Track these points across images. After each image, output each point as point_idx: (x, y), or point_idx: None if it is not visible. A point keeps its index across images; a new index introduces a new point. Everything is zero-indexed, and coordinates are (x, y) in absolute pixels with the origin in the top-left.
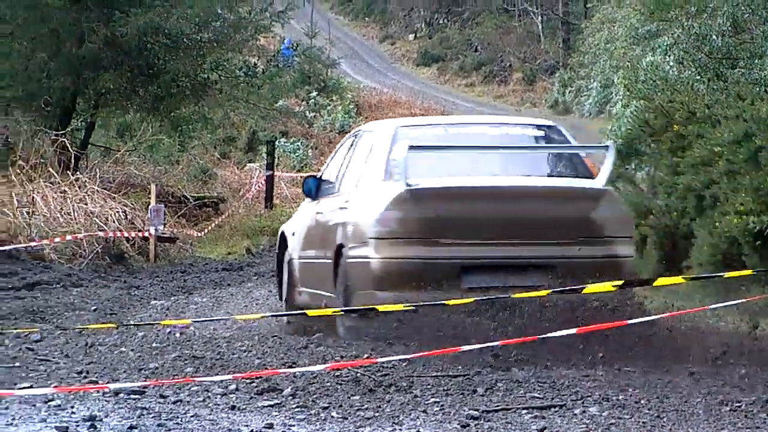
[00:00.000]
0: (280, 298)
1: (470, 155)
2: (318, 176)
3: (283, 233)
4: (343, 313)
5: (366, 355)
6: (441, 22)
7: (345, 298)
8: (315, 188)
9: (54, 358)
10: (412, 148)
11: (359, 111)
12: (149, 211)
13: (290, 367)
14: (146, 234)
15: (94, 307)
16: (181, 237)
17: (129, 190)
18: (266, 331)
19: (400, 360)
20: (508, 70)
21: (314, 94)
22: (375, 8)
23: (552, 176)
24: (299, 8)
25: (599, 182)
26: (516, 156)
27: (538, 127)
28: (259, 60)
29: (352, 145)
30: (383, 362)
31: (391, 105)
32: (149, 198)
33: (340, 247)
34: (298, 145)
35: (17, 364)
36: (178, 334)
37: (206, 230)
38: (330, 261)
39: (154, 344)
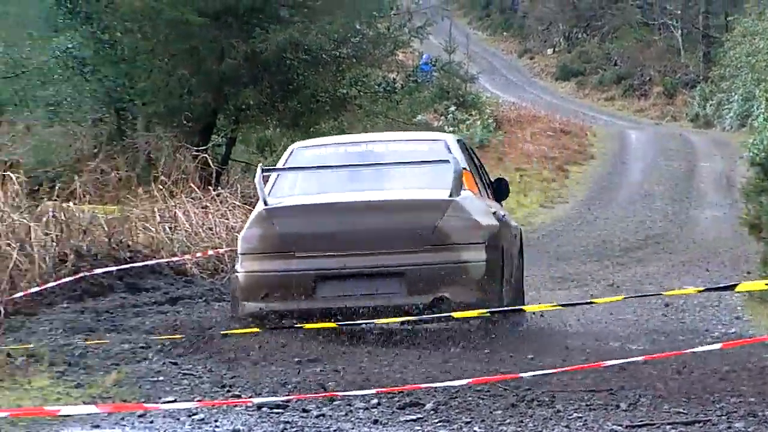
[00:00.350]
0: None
1: (345, 173)
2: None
3: None
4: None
5: (507, 370)
6: (579, 36)
7: (232, 307)
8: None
9: (197, 372)
10: (264, 170)
11: (498, 125)
12: None
13: (431, 381)
14: None
15: (237, 323)
16: None
17: None
18: (410, 345)
19: (543, 374)
20: (648, 83)
21: (453, 108)
22: (513, 23)
23: (408, 189)
24: (437, 23)
25: (444, 193)
26: (387, 171)
27: (425, 141)
28: (397, 75)
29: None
30: (528, 377)
31: (530, 119)
32: None
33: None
34: None
35: (161, 378)
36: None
37: None
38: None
39: (296, 358)
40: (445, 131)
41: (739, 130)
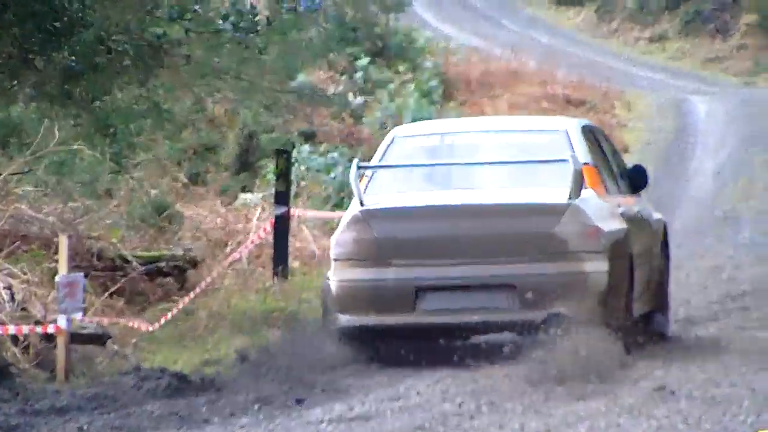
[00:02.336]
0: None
1: (453, 168)
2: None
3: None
4: None
5: None
6: None
7: (323, 319)
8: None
9: None
10: (359, 167)
11: (448, 92)
12: (57, 286)
13: None
14: (51, 327)
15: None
16: (116, 332)
17: (19, 248)
18: None
19: None
20: (730, 9)
21: (365, 61)
22: None
23: (521, 189)
24: None
25: (562, 196)
26: (499, 167)
27: (544, 132)
28: (260, 1)
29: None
30: None
31: (508, 80)
32: (56, 260)
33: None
34: (335, 158)
35: None
36: None
37: (163, 319)
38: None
39: None
40: (348, 103)
41: None
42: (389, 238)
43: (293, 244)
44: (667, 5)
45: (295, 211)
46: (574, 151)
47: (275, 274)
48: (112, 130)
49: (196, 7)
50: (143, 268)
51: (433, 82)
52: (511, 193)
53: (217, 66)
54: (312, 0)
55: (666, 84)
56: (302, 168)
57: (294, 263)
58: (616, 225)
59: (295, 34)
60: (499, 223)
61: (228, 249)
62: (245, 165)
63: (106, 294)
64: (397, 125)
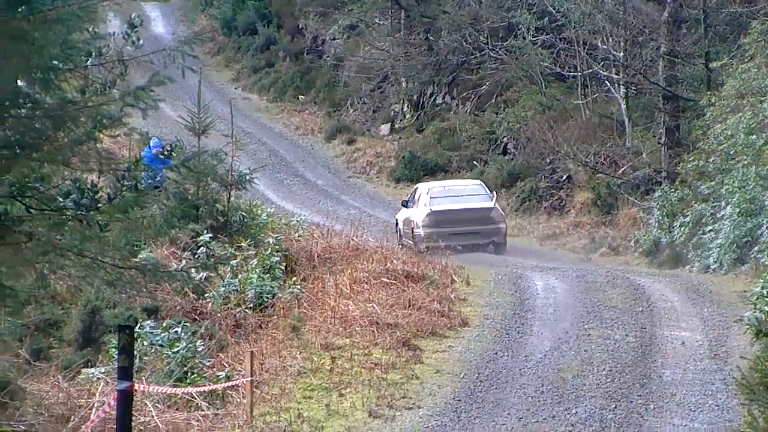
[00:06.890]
0: (398, 243)
1: (453, 197)
2: (406, 201)
3: (397, 219)
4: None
5: None
6: (439, 101)
7: (414, 245)
8: (407, 204)
9: None
10: (432, 197)
11: (291, 267)
12: None
13: None
14: None
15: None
16: None
17: None
18: None
19: None
20: (566, 187)
21: (206, 237)
22: (317, 79)
23: (476, 201)
24: (173, 82)
25: (491, 203)
26: (467, 195)
27: (475, 185)
28: (101, 177)
29: (414, 191)
30: None
31: (350, 255)
32: None
33: (412, 228)
34: (178, 333)
35: None
36: None
37: None
38: (409, 231)
39: None
40: (191, 279)
41: (734, 270)
42: (439, 219)
43: (137, 419)
44: (503, 182)
45: (139, 386)
46: (488, 191)
47: None
48: None
49: (38, 184)
50: None
51: (276, 258)
52: (474, 204)
53: (60, 243)
54: (153, 177)
55: (504, 260)
56: (145, 343)
57: None
58: (503, 213)
59: (137, 211)
60: (473, 213)
61: (71, 424)
62: (88, 340)
63: None
64: (240, 300)
